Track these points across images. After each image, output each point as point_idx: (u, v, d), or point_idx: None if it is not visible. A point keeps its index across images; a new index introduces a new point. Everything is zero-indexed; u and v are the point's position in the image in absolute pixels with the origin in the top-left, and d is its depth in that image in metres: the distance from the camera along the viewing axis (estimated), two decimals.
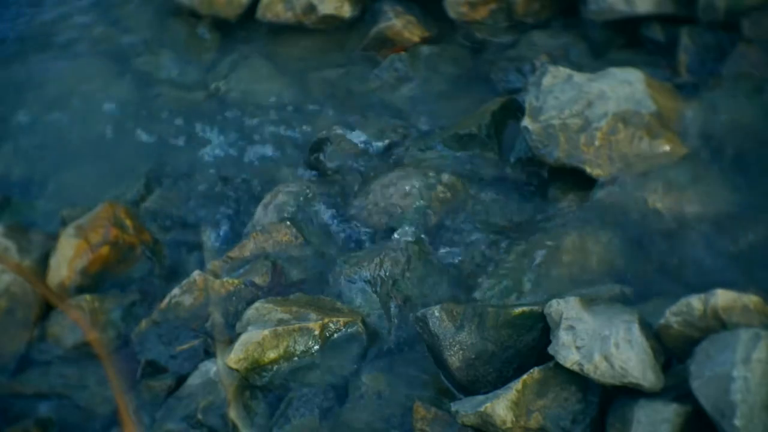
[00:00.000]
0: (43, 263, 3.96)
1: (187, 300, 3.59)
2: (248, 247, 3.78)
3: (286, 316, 3.33)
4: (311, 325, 3.28)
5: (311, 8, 4.86)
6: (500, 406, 2.80)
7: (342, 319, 3.33)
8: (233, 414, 3.20)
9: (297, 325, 3.28)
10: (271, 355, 3.24)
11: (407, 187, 3.84)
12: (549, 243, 3.47)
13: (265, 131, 4.56)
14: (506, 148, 3.98)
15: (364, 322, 3.37)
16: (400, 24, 4.70)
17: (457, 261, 3.58)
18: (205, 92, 4.85)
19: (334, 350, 3.29)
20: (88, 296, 3.80)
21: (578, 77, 3.78)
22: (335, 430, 3.14)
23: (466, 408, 2.87)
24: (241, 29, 5.07)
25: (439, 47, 4.68)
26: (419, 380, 3.20)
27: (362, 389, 3.19)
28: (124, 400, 3.40)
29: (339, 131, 4.31)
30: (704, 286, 2.83)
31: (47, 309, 3.87)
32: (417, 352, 3.29)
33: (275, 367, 3.26)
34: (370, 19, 4.83)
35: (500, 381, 2.99)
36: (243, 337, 3.26)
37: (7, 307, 3.81)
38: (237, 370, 3.23)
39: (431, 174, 3.88)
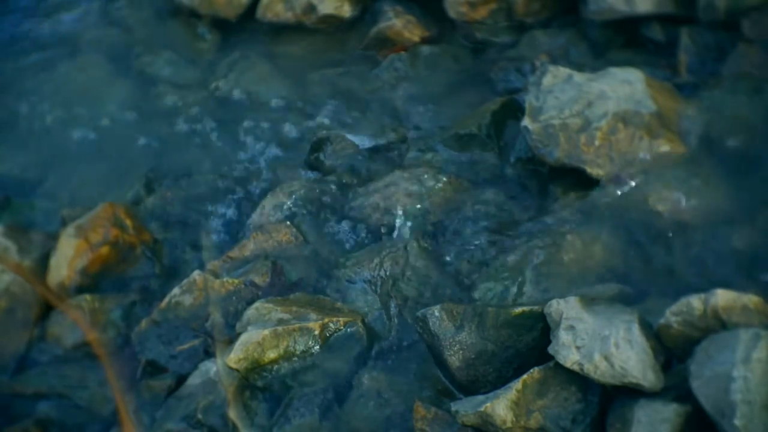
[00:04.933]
0: (43, 263, 3.96)
1: (187, 300, 3.59)
2: (248, 247, 3.78)
3: (286, 316, 3.33)
4: (311, 325, 3.28)
5: (311, 8, 4.86)
6: (500, 405, 2.80)
7: (342, 319, 3.33)
8: (233, 414, 3.20)
9: (297, 325, 3.28)
10: (271, 355, 3.25)
11: (407, 187, 3.84)
12: (549, 243, 3.47)
13: (264, 131, 4.56)
14: (506, 148, 3.98)
15: (364, 322, 3.37)
16: (400, 24, 4.70)
17: (457, 261, 3.58)
18: (205, 92, 4.85)
19: (334, 350, 3.29)
20: (88, 296, 3.80)
21: (578, 77, 3.78)
22: (335, 430, 3.14)
23: (466, 408, 2.87)
24: (241, 29, 5.07)
25: (439, 47, 4.68)
26: (419, 380, 3.20)
27: (362, 389, 3.19)
28: (124, 400, 3.40)
29: (339, 131, 4.31)
30: (704, 286, 2.84)
31: (47, 309, 3.87)
32: (417, 352, 3.29)
33: (275, 367, 3.26)
34: (370, 19, 4.84)
35: (500, 381, 2.99)
36: (243, 337, 3.26)
37: (7, 307, 3.82)
38: (237, 370, 3.23)
39: (431, 174, 3.88)
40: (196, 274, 3.63)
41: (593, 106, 3.66)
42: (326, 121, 4.47)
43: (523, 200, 3.79)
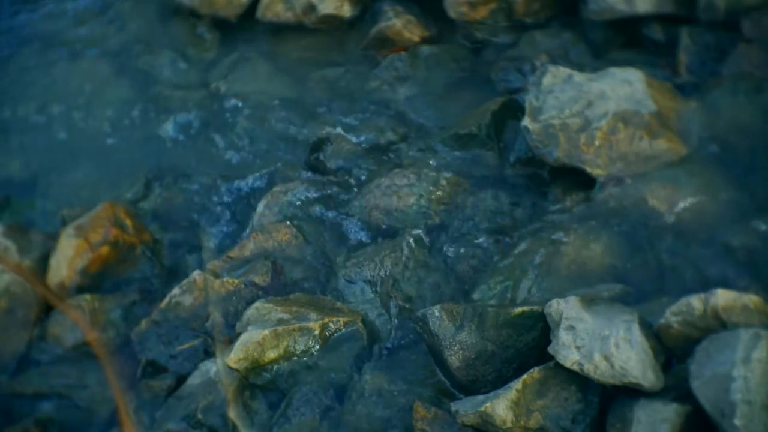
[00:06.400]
0: (43, 263, 3.96)
1: (187, 300, 3.59)
2: (248, 247, 3.78)
3: (286, 316, 3.33)
4: (311, 324, 3.28)
5: (311, 8, 4.86)
6: (500, 405, 2.81)
7: (342, 319, 3.33)
8: (233, 414, 3.20)
9: (297, 325, 3.28)
10: (271, 354, 3.25)
11: (407, 187, 3.84)
12: (549, 243, 3.47)
13: (265, 131, 4.56)
14: (506, 148, 3.98)
15: (364, 321, 3.37)
16: (400, 24, 4.70)
17: (457, 261, 3.58)
18: (205, 92, 4.85)
19: (334, 350, 3.29)
20: (88, 296, 3.80)
21: (578, 77, 3.78)
22: (335, 430, 3.14)
23: (466, 408, 2.87)
24: (241, 29, 5.07)
25: (439, 47, 4.68)
26: (419, 380, 3.20)
27: (362, 389, 3.19)
28: (123, 400, 3.40)
29: (339, 131, 4.31)
30: (704, 286, 2.84)
31: (47, 309, 3.87)
32: (417, 352, 3.29)
33: (275, 367, 3.26)
34: (370, 19, 4.84)
35: (500, 381, 2.99)
36: (243, 337, 3.26)
37: (7, 307, 3.82)
38: (237, 370, 3.23)
39: (431, 174, 3.88)
40: (196, 274, 3.63)
41: (593, 106, 3.66)
42: (326, 121, 4.47)
43: (523, 200, 3.79)
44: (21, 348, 3.79)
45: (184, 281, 3.64)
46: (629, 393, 2.75)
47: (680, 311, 2.77)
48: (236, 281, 3.59)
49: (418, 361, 3.25)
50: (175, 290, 3.63)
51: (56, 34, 5.36)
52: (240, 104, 4.74)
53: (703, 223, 3.39)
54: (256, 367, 3.24)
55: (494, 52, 4.57)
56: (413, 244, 3.59)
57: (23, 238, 4.02)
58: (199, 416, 3.24)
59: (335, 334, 3.31)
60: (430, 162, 4.01)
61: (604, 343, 2.75)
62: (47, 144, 4.79)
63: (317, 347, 3.28)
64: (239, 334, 3.30)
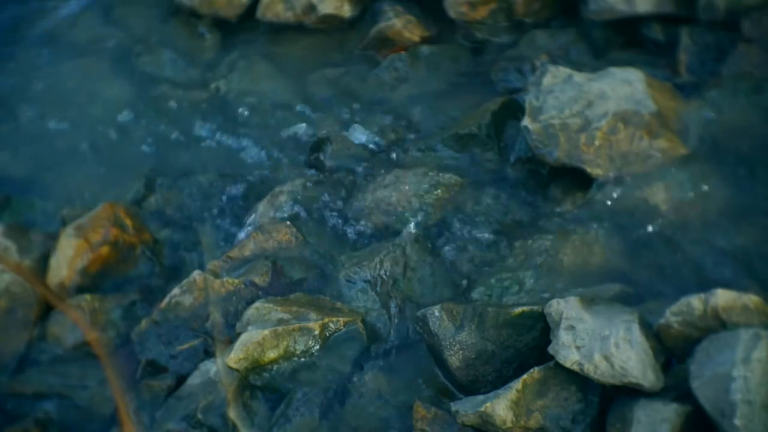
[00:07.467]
0: (43, 263, 3.96)
1: (187, 300, 3.59)
2: (248, 247, 3.78)
3: (286, 316, 3.33)
4: (311, 324, 3.28)
5: (311, 8, 4.86)
6: (500, 405, 2.81)
7: (342, 319, 3.33)
8: (233, 414, 3.20)
9: (297, 325, 3.28)
10: (271, 354, 3.25)
11: (407, 187, 3.84)
12: (549, 243, 3.47)
13: (265, 131, 4.56)
14: (506, 148, 3.98)
15: (364, 321, 3.37)
16: (400, 24, 4.70)
17: (457, 261, 3.58)
18: (205, 92, 4.85)
19: (334, 350, 3.29)
20: (88, 296, 3.80)
21: (578, 77, 3.78)
22: (335, 430, 3.14)
23: (466, 408, 2.87)
24: (241, 29, 5.07)
25: (439, 47, 4.68)
26: (419, 380, 3.20)
27: (362, 389, 3.19)
28: (123, 400, 3.40)
29: (339, 131, 4.31)
30: (704, 286, 2.84)
31: (47, 309, 3.87)
32: (417, 352, 3.29)
33: (275, 367, 3.26)
34: (370, 19, 4.83)
35: (500, 381, 2.99)
36: (243, 337, 3.26)
37: (7, 307, 3.82)
38: (237, 370, 3.23)
39: (431, 174, 3.88)
40: (196, 274, 3.63)
41: (593, 106, 3.66)
42: (326, 121, 4.47)
43: (523, 200, 3.78)
44: (21, 348, 3.79)
45: (184, 281, 3.64)
46: (629, 393, 2.75)
47: (680, 311, 2.77)
48: (236, 281, 3.59)
49: (418, 361, 3.25)
50: (175, 290, 3.63)
51: (56, 34, 5.36)
52: (240, 104, 4.74)
53: (703, 223, 3.39)
54: (256, 367, 3.24)
55: (494, 52, 4.57)
56: (413, 244, 3.59)
57: (23, 238, 4.02)
58: (199, 416, 3.25)
59: (335, 334, 3.31)
60: (430, 162, 4.01)
61: (604, 343, 2.75)
62: (47, 144, 4.79)
63: (317, 347, 3.28)
64: (239, 334, 3.30)
